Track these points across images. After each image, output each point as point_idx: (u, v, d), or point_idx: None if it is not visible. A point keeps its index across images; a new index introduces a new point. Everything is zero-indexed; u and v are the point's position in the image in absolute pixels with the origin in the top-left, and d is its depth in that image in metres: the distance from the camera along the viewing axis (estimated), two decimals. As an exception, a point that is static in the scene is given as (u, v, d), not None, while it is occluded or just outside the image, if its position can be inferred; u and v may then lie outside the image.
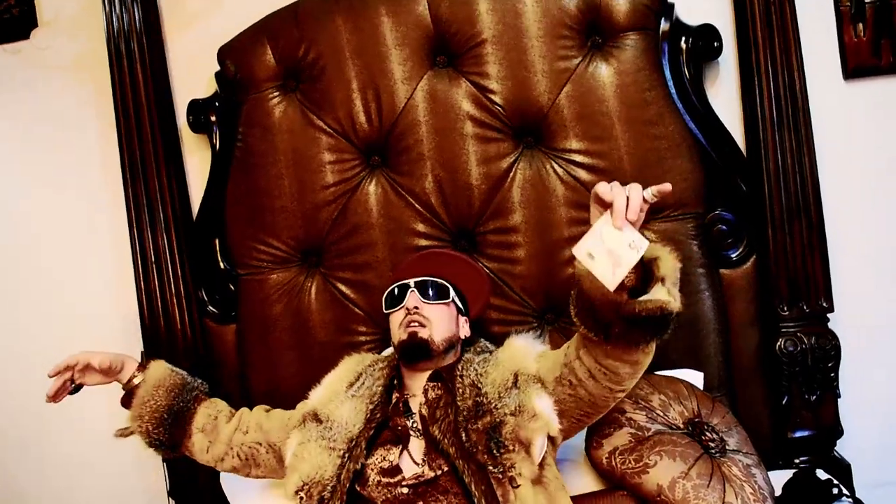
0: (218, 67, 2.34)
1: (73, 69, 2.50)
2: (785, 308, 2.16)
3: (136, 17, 2.31)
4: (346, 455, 1.77)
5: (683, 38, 2.17)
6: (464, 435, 1.71)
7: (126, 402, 1.94)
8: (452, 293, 1.96)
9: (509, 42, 2.16)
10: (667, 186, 1.50)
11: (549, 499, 1.70)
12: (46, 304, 2.57)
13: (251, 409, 2.03)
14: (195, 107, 2.34)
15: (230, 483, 2.22)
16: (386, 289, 2.16)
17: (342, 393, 1.89)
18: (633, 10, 2.14)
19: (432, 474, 1.72)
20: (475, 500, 1.66)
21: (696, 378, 2.12)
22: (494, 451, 1.66)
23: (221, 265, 2.35)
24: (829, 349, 2.17)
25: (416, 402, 1.85)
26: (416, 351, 1.86)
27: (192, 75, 2.42)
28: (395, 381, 1.90)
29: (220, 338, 2.35)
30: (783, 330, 2.17)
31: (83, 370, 1.89)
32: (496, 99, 2.18)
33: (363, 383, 1.90)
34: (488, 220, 2.21)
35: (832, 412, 2.20)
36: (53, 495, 2.63)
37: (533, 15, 2.15)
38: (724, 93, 2.26)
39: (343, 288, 2.27)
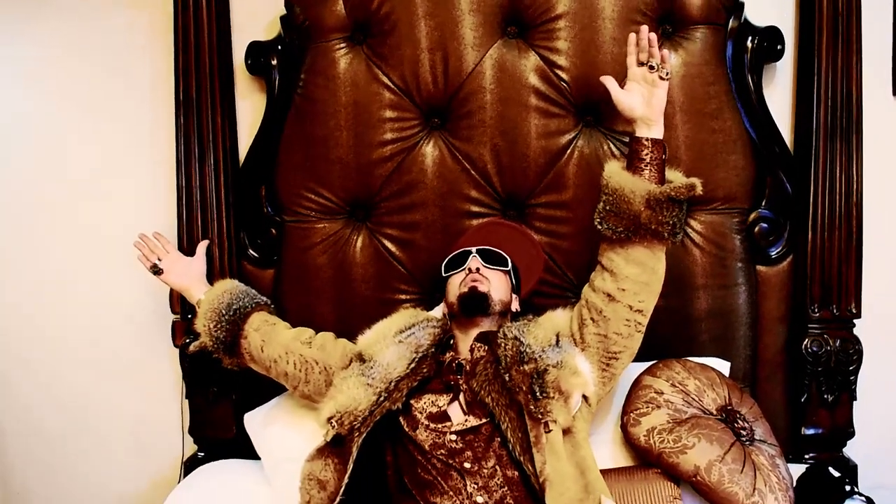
0: (280, 11, 2.32)
1: (129, -1, 2.47)
2: (816, 309, 2.24)
3: (204, -48, 2.29)
4: (384, 395, 1.83)
5: (749, 38, 2.21)
6: (507, 377, 1.78)
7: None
8: (510, 264, 2.01)
9: (583, 20, 2.18)
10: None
11: (575, 448, 1.79)
12: (84, 234, 2.54)
13: None
14: (256, 49, 2.32)
15: (254, 422, 2.25)
16: (433, 250, 2.23)
17: (389, 337, 1.95)
18: (706, 4, 2.17)
19: (476, 422, 1.79)
20: (510, 446, 1.74)
21: (723, 367, 2.19)
22: (537, 394, 1.74)
23: (266, 210, 2.35)
24: (852, 353, 2.25)
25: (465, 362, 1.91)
26: (475, 302, 1.91)
27: (250, 17, 2.39)
28: (452, 342, 1.94)
29: (257, 282, 2.34)
30: (811, 330, 2.25)
31: (168, 265, 2.19)
32: (563, 75, 2.21)
33: (413, 333, 1.95)
34: (541, 193, 2.25)
35: (847, 414, 2.29)
36: (71, 431, 2.62)
37: (609, -3, 2.18)
38: (777, 95, 2.31)
39: (389, 245, 2.29)
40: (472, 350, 1.91)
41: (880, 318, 2.33)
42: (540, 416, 1.73)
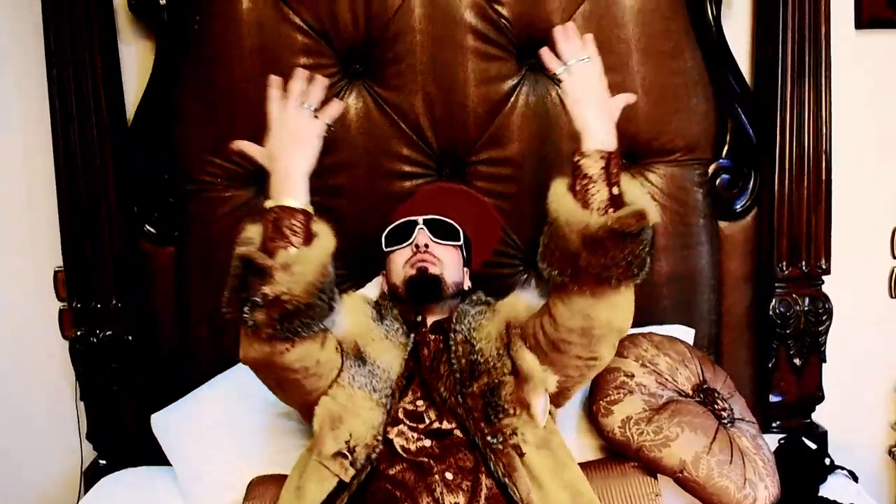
0: (167, -60, 1.96)
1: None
2: (784, 267, 2.05)
3: None
4: (388, 404, 1.53)
5: (708, -33, 1.97)
6: (461, 399, 1.52)
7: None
8: (462, 238, 1.74)
9: (525, -52, 1.90)
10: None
11: (557, 465, 1.51)
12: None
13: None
14: (139, -15, 1.96)
15: (163, 424, 1.95)
16: (360, 218, 1.97)
17: (374, 329, 1.61)
18: (661, -77, 1.92)
19: (448, 427, 1.51)
20: (490, 463, 1.46)
21: (687, 335, 2.01)
22: (492, 418, 1.48)
23: (164, 176, 2.00)
24: (822, 313, 2.08)
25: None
26: (426, 287, 1.64)
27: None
28: (420, 317, 1.67)
29: (156, 262, 2.02)
30: (777, 289, 2.07)
31: None
32: (503, 11, 1.93)
33: (392, 326, 1.64)
34: (482, 148, 1.98)
35: (816, 378, 2.13)
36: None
37: (553, -79, 1.90)
38: (735, 29, 2.07)
39: (309, 214, 1.99)
40: (428, 343, 1.63)
41: (845, 273, 2.15)
42: (501, 447, 1.46)
